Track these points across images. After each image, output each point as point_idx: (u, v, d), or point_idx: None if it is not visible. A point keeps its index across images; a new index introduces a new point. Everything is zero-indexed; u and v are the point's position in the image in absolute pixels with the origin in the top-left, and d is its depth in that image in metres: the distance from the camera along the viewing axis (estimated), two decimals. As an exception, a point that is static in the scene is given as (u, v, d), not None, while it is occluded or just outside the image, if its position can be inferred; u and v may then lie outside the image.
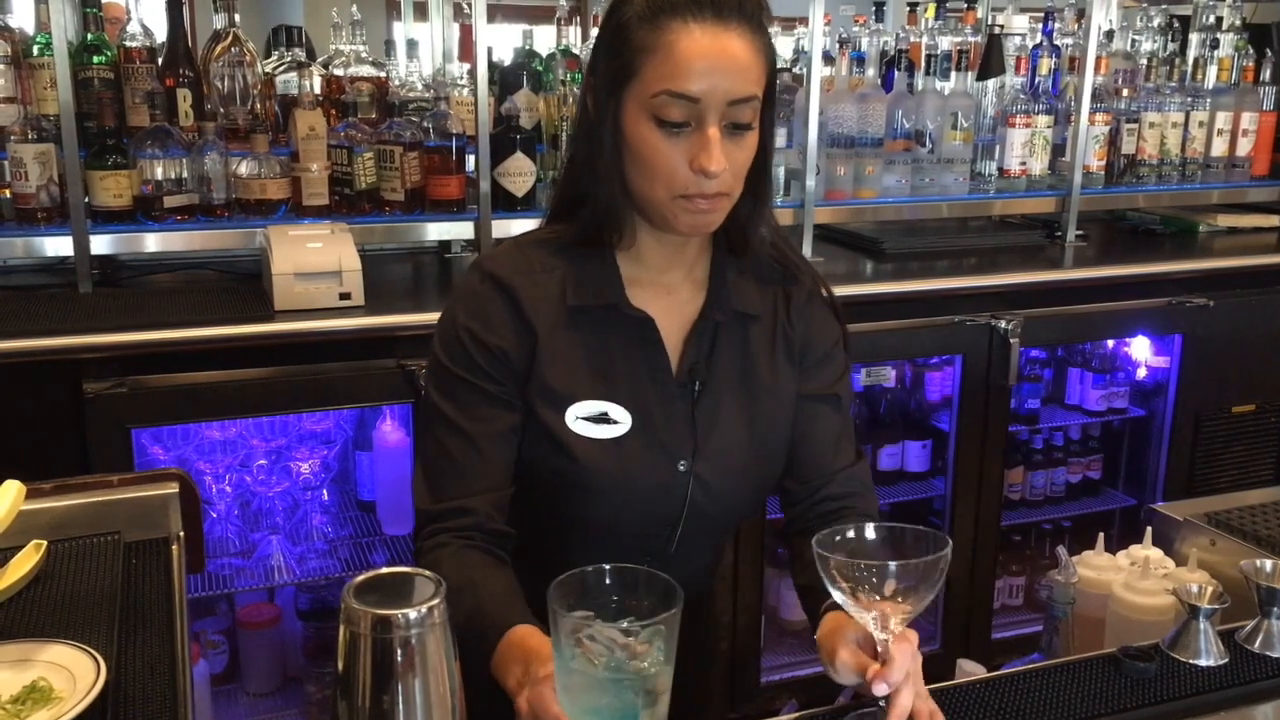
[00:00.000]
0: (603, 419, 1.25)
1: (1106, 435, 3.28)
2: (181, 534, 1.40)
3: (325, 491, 2.71)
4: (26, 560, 1.25)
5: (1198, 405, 3.06)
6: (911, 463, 3.03)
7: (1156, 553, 1.49)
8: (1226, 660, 1.17)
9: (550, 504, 1.30)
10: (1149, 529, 1.52)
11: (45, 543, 1.28)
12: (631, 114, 1.18)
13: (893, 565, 0.99)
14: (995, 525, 2.92)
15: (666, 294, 1.31)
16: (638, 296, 1.29)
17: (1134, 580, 1.42)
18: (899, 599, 1.00)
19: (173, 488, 1.42)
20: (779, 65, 3.18)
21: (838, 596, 1.03)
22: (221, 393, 2.21)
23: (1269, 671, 1.16)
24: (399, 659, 0.80)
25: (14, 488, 1.26)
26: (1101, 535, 1.53)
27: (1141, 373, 3.19)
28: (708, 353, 1.31)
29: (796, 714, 1.09)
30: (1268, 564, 1.21)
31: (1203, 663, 1.16)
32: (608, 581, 0.95)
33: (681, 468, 1.28)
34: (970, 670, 1.24)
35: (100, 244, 2.40)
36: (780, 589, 2.97)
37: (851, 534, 1.08)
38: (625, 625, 0.89)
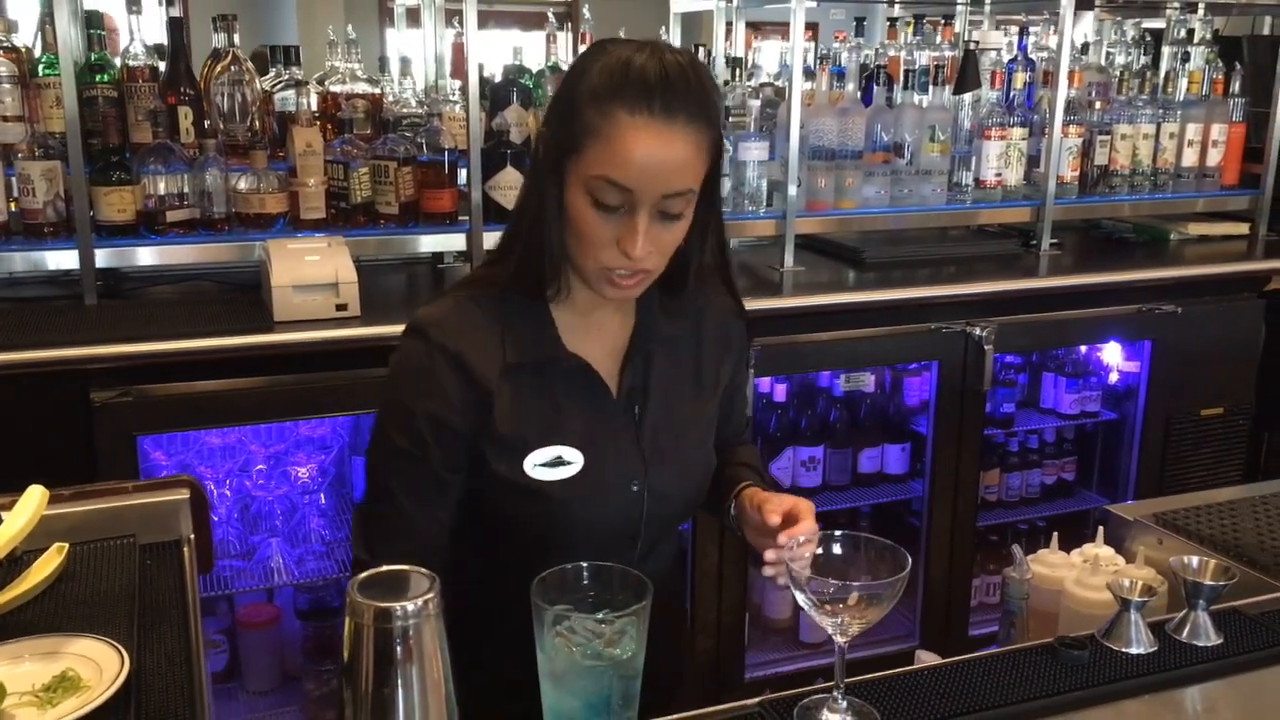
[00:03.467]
0: (558, 462, 1.32)
1: (1080, 438, 3.38)
2: (192, 537, 1.49)
3: (323, 495, 2.79)
4: (49, 562, 1.33)
5: (1168, 409, 3.16)
6: (891, 465, 3.13)
7: (1107, 551, 1.59)
8: (1156, 649, 1.26)
9: (514, 536, 1.37)
10: (1100, 528, 1.62)
11: (66, 545, 1.37)
12: (572, 187, 1.24)
13: (857, 586, 1.09)
14: (971, 525, 3.02)
15: (598, 330, 1.38)
16: (571, 340, 1.35)
17: (1084, 577, 1.52)
18: (861, 607, 1.09)
19: (184, 494, 1.51)
20: (767, 79, 3.30)
21: (802, 602, 1.12)
22: (223, 401, 2.29)
23: (1194, 659, 1.25)
24: (398, 647, 0.89)
25: (38, 493, 1.35)
26: (1056, 534, 1.62)
27: (1113, 377, 3.29)
28: (643, 377, 1.39)
29: (760, 698, 1.18)
30: (1194, 560, 1.31)
31: (1133, 651, 1.26)
32: (585, 578, 1.04)
33: (635, 488, 1.37)
34: (927, 660, 1.33)
35: (105, 257, 2.47)
36: (764, 588, 3.07)
37: (819, 550, 1.18)
38: (601, 616, 0.99)
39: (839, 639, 1.10)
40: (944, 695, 1.18)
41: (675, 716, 1.14)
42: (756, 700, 1.18)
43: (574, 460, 1.33)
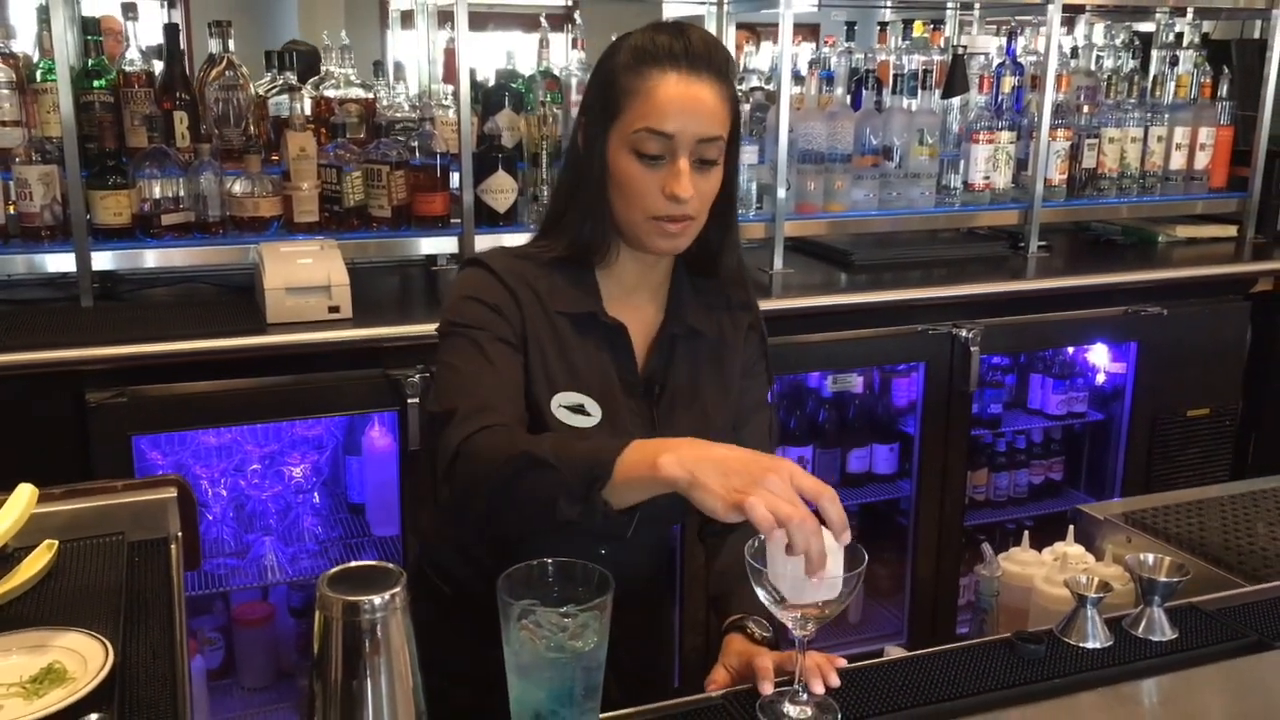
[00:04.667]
0: (580, 410, 1.40)
1: (1067, 438, 3.41)
2: (180, 534, 1.52)
3: (316, 495, 2.83)
4: (39, 558, 1.37)
5: (1153, 409, 3.19)
6: (879, 465, 3.16)
7: (1077, 549, 1.62)
8: (1111, 643, 1.30)
9: None
10: (1071, 527, 1.65)
11: (56, 542, 1.40)
12: (615, 147, 1.36)
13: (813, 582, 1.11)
14: (959, 525, 3.05)
15: (635, 309, 1.48)
16: (614, 306, 1.45)
17: (1054, 574, 1.55)
18: (820, 604, 1.12)
19: (171, 492, 1.54)
20: (757, 83, 3.34)
21: (765, 600, 1.15)
22: (217, 401, 2.33)
23: (1148, 654, 1.29)
24: (366, 641, 0.92)
25: (27, 490, 1.39)
26: (1026, 533, 1.65)
27: (1100, 378, 3.32)
28: (667, 361, 1.48)
29: (723, 691, 1.22)
30: (1150, 557, 1.34)
31: (1089, 645, 1.29)
32: (550, 574, 1.08)
33: None
34: (893, 654, 1.36)
35: (101, 260, 2.51)
36: (754, 590, 3.09)
37: None
38: (565, 610, 1.02)
39: (798, 633, 1.14)
40: (903, 688, 1.21)
41: (639, 708, 1.17)
42: (720, 692, 1.22)
43: (594, 413, 1.40)
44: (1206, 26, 3.87)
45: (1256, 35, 3.92)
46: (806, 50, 3.53)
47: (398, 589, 0.93)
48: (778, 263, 2.98)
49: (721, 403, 1.50)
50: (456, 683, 1.28)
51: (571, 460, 1.17)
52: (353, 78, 2.89)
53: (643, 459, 1.13)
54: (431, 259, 2.96)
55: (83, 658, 1.16)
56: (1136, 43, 3.66)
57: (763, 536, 1.18)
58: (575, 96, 2.80)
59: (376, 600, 0.92)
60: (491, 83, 3.00)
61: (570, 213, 1.43)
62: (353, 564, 0.97)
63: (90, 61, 2.61)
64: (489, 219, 2.77)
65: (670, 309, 1.50)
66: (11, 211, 2.51)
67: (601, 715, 1.09)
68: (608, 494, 1.14)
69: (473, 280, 1.43)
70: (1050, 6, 3.12)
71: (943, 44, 3.46)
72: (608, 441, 1.19)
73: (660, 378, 1.47)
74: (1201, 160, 3.52)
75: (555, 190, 1.52)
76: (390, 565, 0.97)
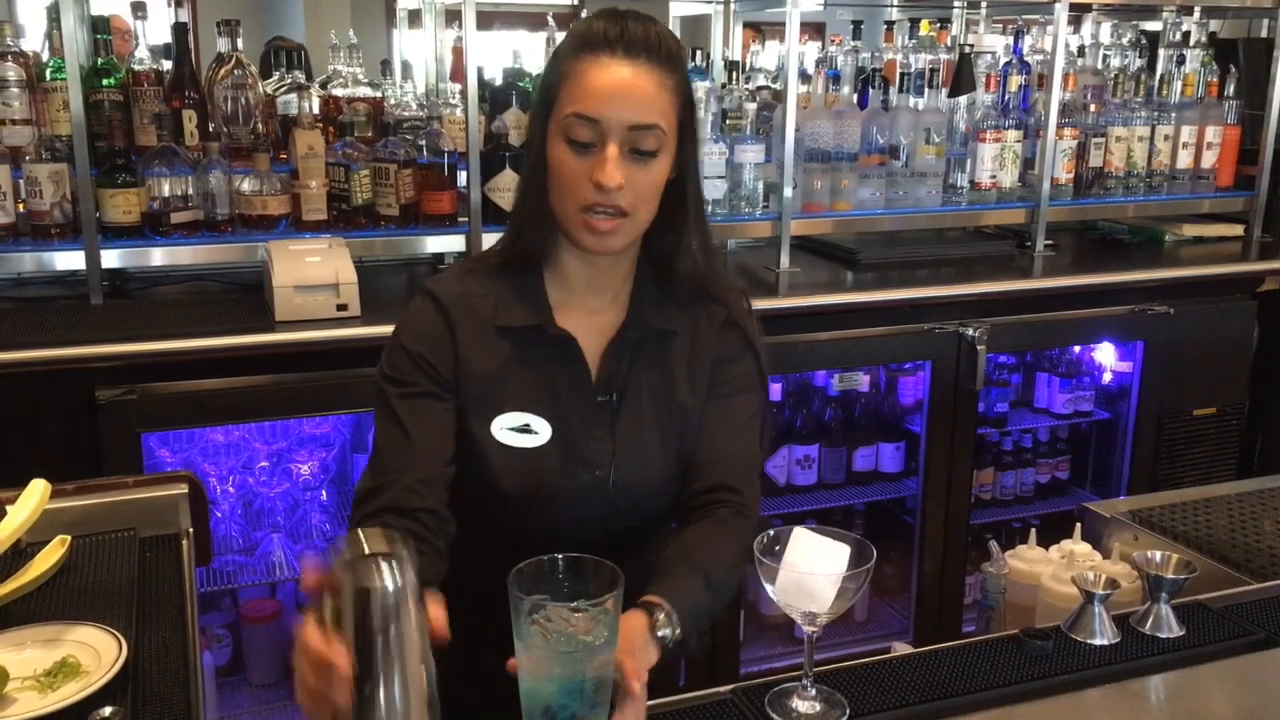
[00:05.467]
0: (525, 430, 1.36)
1: (1074, 437, 3.41)
2: (191, 530, 1.53)
3: (324, 492, 2.84)
4: (52, 554, 1.38)
5: (1160, 408, 3.19)
6: (886, 464, 3.16)
7: (1084, 547, 1.62)
8: (1118, 640, 1.30)
9: (480, 517, 1.38)
10: (1078, 524, 1.65)
11: (69, 538, 1.42)
12: (551, 135, 1.31)
13: (822, 578, 1.12)
14: (965, 523, 3.05)
15: (590, 314, 1.42)
16: (563, 316, 1.39)
17: (1061, 572, 1.55)
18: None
19: (182, 488, 1.56)
20: (764, 82, 3.35)
21: (772, 594, 1.16)
22: (226, 399, 2.34)
23: (1155, 651, 1.29)
24: (378, 618, 0.90)
25: (40, 486, 1.40)
26: (1033, 531, 1.66)
27: (1107, 377, 3.32)
28: (627, 367, 1.41)
29: (732, 686, 1.22)
30: (1157, 555, 1.34)
31: (1097, 642, 1.30)
32: (560, 569, 1.09)
33: (598, 474, 1.37)
34: (901, 651, 1.37)
35: (110, 258, 2.52)
36: (758, 585, 3.10)
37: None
38: (575, 605, 1.03)
39: (808, 629, 1.14)
40: (911, 684, 1.22)
41: (651, 702, 1.18)
42: (729, 688, 1.22)
43: (541, 431, 1.36)
44: (1213, 25, 3.86)
45: (1264, 34, 3.92)
46: (813, 49, 3.54)
47: (408, 566, 0.91)
48: (784, 261, 2.98)
49: (679, 411, 1.43)
50: (455, 677, 1.28)
51: None
52: (360, 77, 2.90)
53: None
54: (439, 257, 2.96)
55: (96, 652, 1.18)
56: (1143, 41, 3.66)
57: (771, 532, 1.19)
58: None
59: (390, 584, 0.90)
60: (498, 81, 3.00)
61: (519, 212, 1.40)
62: (369, 532, 0.94)
63: (100, 60, 2.62)
64: (496, 217, 2.77)
65: (631, 310, 1.42)
66: (21, 209, 2.52)
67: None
68: None
69: (411, 318, 1.40)
70: (1057, 5, 3.12)
71: (949, 43, 3.46)
72: None
73: (619, 385, 1.40)
74: (1208, 159, 3.52)
75: (516, 190, 1.48)
76: (395, 534, 0.94)
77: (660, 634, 1.18)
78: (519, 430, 1.36)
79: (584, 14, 3.12)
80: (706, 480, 1.41)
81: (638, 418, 1.41)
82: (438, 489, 1.33)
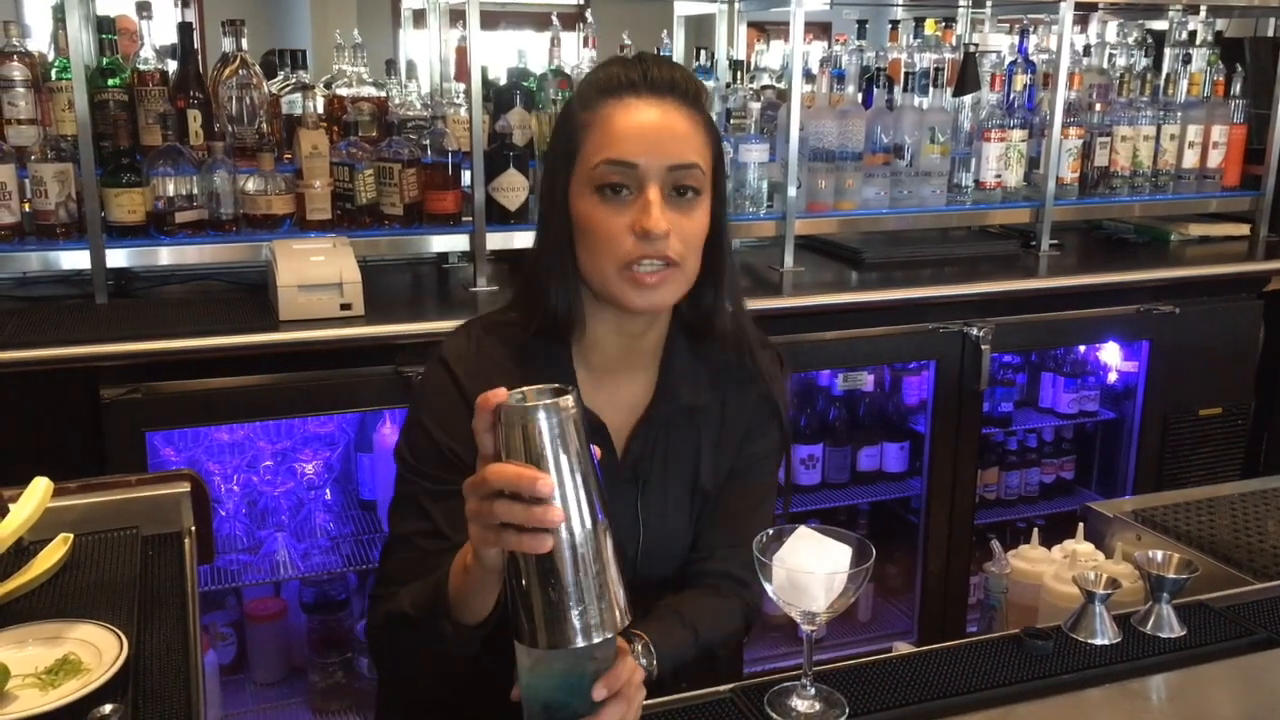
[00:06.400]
0: None
1: (1079, 437, 3.40)
2: (193, 529, 1.54)
3: (328, 491, 2.84)
4: (55, 552, 1.38)
5: (1165, 408, 3.18)
6: (890, 463, 3.16)
7: (1087, 546, 1.62)
8: (1119, 640, 1.30)
9: None
10: (1081, 524, 1.65)
11: (71, 536, 1.42)
12: (576, 191, 1.23)
13: (821, 577, 1.12)
14: (969, 523, 3.05)
15: (619, 387, 1.34)
16: (589, 391, 1.30)
17: (1063, 571, 1.55)
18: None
19: (185, 487, 1.56)
20: (768, 81, 3.34)
21: (770, 592, 1.16)
22: (230, 398, 2.35)
23: (1156, 650, 1.29)
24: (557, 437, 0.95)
25: (42, 484, 1.41)
26: (1036, 530, 1.66)
27: (1112, 377, 3.32)
28: (653, 448, 1.34)
29: (732, 685, 1.22)
30: (1159, 554, 1.34)
31: (1098, 642, 1.29)
32: None
33: (626, 555, 1.29)
34: (901, 651, 1.37)
35: (116, 258, 2.52)
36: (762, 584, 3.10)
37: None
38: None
39: (807, 628, 1.14)
40: (911, 683, 1.22)
41: (649, 701, 1.18)
42: (729, 687, 1.22)
43: None
44: (1220, 24, 3.86)
45: (1270, 33, 3.91)
46: (818, 48, 3.53)
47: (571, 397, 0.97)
48: (788, 261, 2.98)
49: (701, 488, 1.38)
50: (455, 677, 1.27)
51: (421, 604, 1.15)
52: (365, 76, 2.90)
53: (461, 570, 1.08)
54: (443, 256, 2.97)
55: (97, 649, 1.18)
56: (1149, 40, 3.65)
57: (773, 531, 1.19)
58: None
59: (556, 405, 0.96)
60: (503, 81, 3.00)
61: (538, 278, 1.28)
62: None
63: (105, 60, 2.63)
64: (500, 217, 2.77)
65: (661, 383, 1.35)
66: (27, 209, 2.53)
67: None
68: (460, 614, 1.10)
69: (428, 395, 1.31)
70: (1063, 4, 3.12)
71: (954, 42, 3.46)
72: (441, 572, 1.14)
73: (647, 464, 1.33)
74: (1214, 158, 3.51)
75: (527, 258, 1.35)
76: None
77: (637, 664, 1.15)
78: None
79: (589, 14, 3.14)
80: (717, 564, 1.38)
81: (663, 499, 1.36)
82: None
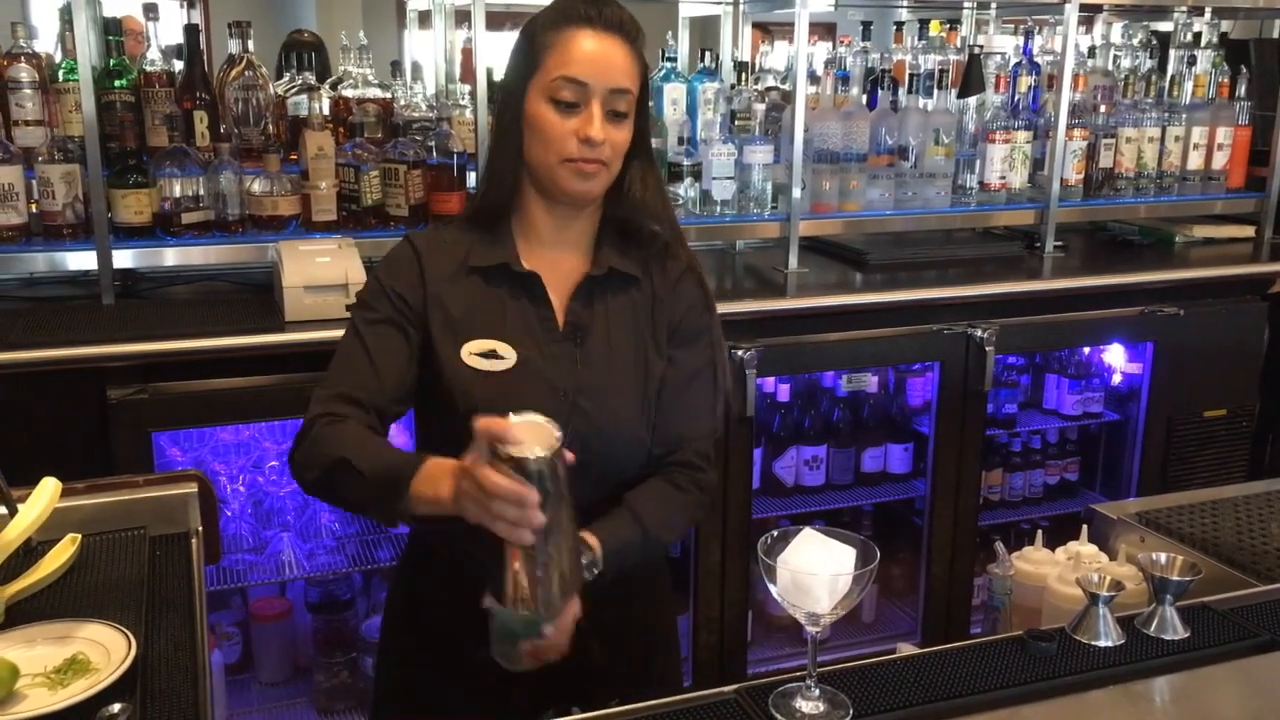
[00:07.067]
0: (492, 355, 1.48)
1: (1083, 439, 3.40)
2: (200, 529, 1.54)
3: (333, 491, 2.84)
4: (63, 552, 1.39)
5: (1170, 410, 3.18)
6: (894, 465, 3.16)
7: (1090, 548, 1.62)
8: (1123, 642, 1.30)
9: (450, 442, 1.39)
10: (1085, 526, 1.65)
11: (79, 536, 1.43)
12: (533, 99, 1.46)
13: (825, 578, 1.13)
14: (973, 525, 3.05)
15: (556, 259, 1.55)
16: (529, 259, 1.53)
17: (1067, 573, 1.55)
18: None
19: (192, 487, 1.57)
20: (773, 83, 3.35)
21: (775, 594, 1.16)
22: (236, 398, 2.35)
23: (1160, 652, 1.29)
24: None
25: (51, 484, 1.41)
26: (1040, 532, 1.66)
27: (1116, 379, 3.32)
28: (591, 309, 1.54)
29: (736, 686, 1.23)
30: (1162, 557, 1.35)
31: (1101, 644, 1.30)
32: None
33: (564, 395, 1.48)
34: (905, 652, 1.37)
35: (122, 258, 2.53)
36: (765, 586, 3.10)
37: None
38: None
39: (811, 629, 1.15)
40: (914, 684, 1.22)
41: (653, 702, 1.18)
42: (733, 688, 1.23)
43: (507, 356, 1.48)
44: (1225, 26, 3.86)
45: (1275, 35, 3.91)
46: (822, 50, 3.53)
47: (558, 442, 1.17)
48: (793, 262, 2.99)
49: (642, 355, 1.55)
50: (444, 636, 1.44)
51: (375, 473, 1.33)
52: (370, 78, 2.91)
53: (433, 490, 1.28)
54: (448, 258, 2.97)
55: (106, 649, 1.19)
56: (1154, 42, 3.65)
57: (777, 532, 1.19)
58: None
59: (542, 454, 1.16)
60: (508, 82, 3.01)
61: (490, 165, 1.54)
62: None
63: (112, 61, 2.64)
64: (505, 218, 2.78)
65: (595, 256, 1.56)
66: (34, 210, 2.54)
67: (613, 709, 1.10)
68: (405, 505, 1.30)
69: (388, 258, 1.56)
70: (1067, 6, 3.12)
71: (959, 43, 3.46)
72: (409, 455, 1.35)
73: (584, 323, 1.53)
74: (1219, 160, 3.51)
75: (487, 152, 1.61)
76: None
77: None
78: (486, 355, 1.48)
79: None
80: (678, 456, 1.55)
81: (604, 354, 1.53)
82: (388, 423, 1.51)
